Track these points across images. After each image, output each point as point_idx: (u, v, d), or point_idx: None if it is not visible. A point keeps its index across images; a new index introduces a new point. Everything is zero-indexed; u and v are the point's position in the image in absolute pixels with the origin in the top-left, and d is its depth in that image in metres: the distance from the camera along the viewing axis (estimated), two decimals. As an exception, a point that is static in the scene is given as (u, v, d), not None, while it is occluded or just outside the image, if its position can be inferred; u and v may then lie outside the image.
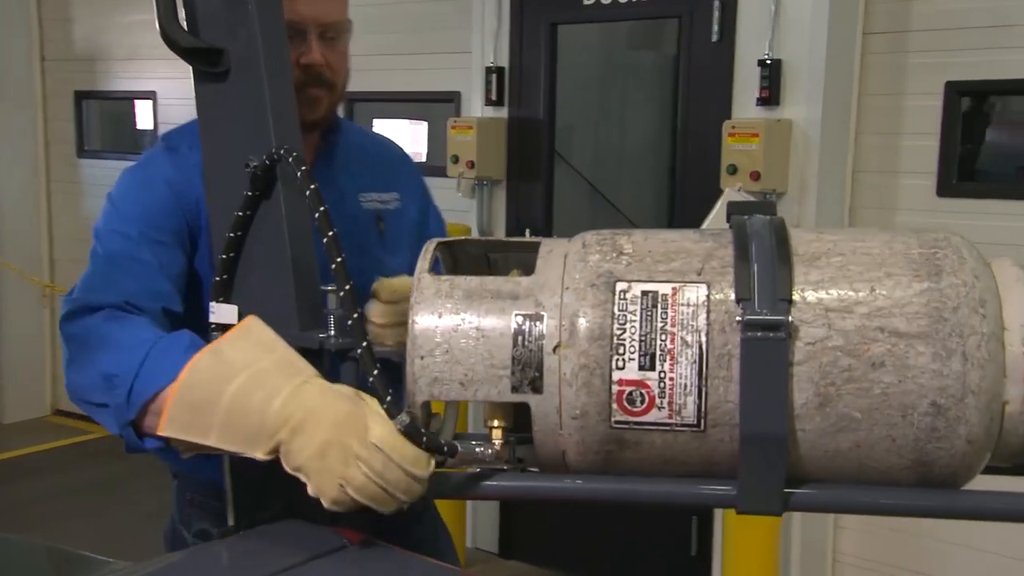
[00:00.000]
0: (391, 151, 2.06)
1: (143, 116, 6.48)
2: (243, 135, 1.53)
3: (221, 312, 1.48)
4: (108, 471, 5.59)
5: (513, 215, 4.60)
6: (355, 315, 1.33)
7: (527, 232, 1.30)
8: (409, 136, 5.27)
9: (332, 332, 1.42)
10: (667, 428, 1.25)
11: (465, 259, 1.45)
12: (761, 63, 3.80)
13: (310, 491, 1.27)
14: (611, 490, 1.31)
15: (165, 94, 6.18)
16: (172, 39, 1.55)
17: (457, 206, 4.61)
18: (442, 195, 4.39)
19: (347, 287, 1.34)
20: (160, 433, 1.34)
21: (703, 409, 1.23)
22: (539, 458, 1.33)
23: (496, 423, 1.33)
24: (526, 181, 4.58)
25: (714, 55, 3.98)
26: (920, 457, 1.20)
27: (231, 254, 1.50)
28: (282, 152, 1.45)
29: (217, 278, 1.51)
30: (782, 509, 1.26)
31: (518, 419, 1.34)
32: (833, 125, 3.86)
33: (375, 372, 1.30)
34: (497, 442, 1.33)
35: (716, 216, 3.56)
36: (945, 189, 3.83)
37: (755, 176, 3.68)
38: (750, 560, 3.64)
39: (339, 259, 1.35)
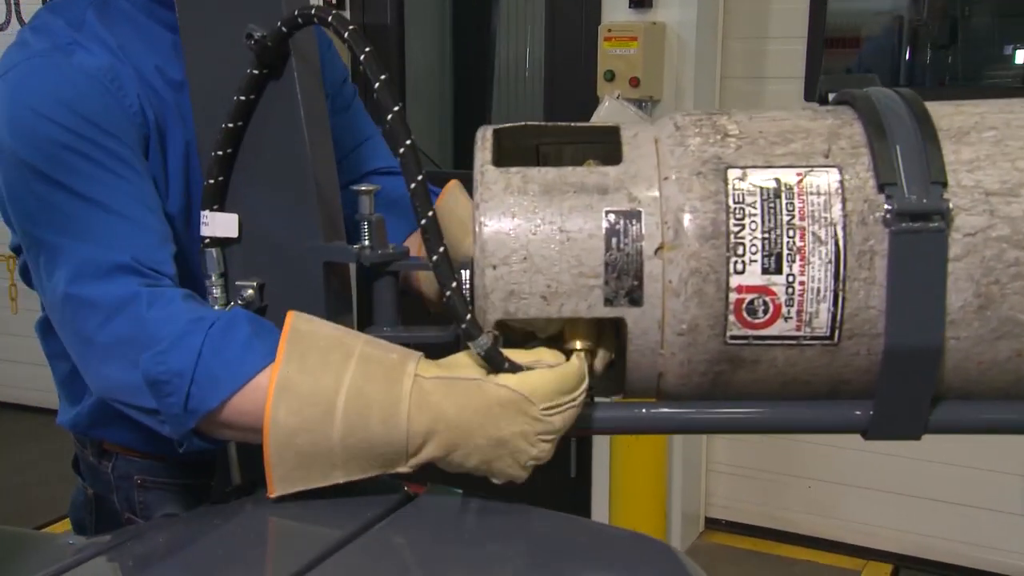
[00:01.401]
0: None
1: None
2: None
3: (216, 223, 1.16)
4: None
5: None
6: (429, 214, 1.05)
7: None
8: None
9: (367, 242, 1.14)
10: (793, 342, 1.04)
11: (510, 153, 1.18)
12: (633, -39, 3.59)
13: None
14: (731, 417, 1.10)
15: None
16: None
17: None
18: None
19: (419, 178, 1.05)
20: (272, 496, 1.09)
21: (839, 318, 1.03)
22: (628, 382, 1.09)
23: (579, 344, 1.09)
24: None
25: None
26: None
27: (227, 150, 1.18)
28: (311, 13, 1.12)
29: (211, 180, 1.19)
30: (923, 432, 1.08)
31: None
32: (705, 29, 3.71)
33: (454, 285, 1.04)
34: None
35: (597, 125, 3.36)
36: (812, 94, 3.77)
37: (634, 82, 3.48)
38: (639, 476, 3.54)
39: (408, 142, 1.06)
